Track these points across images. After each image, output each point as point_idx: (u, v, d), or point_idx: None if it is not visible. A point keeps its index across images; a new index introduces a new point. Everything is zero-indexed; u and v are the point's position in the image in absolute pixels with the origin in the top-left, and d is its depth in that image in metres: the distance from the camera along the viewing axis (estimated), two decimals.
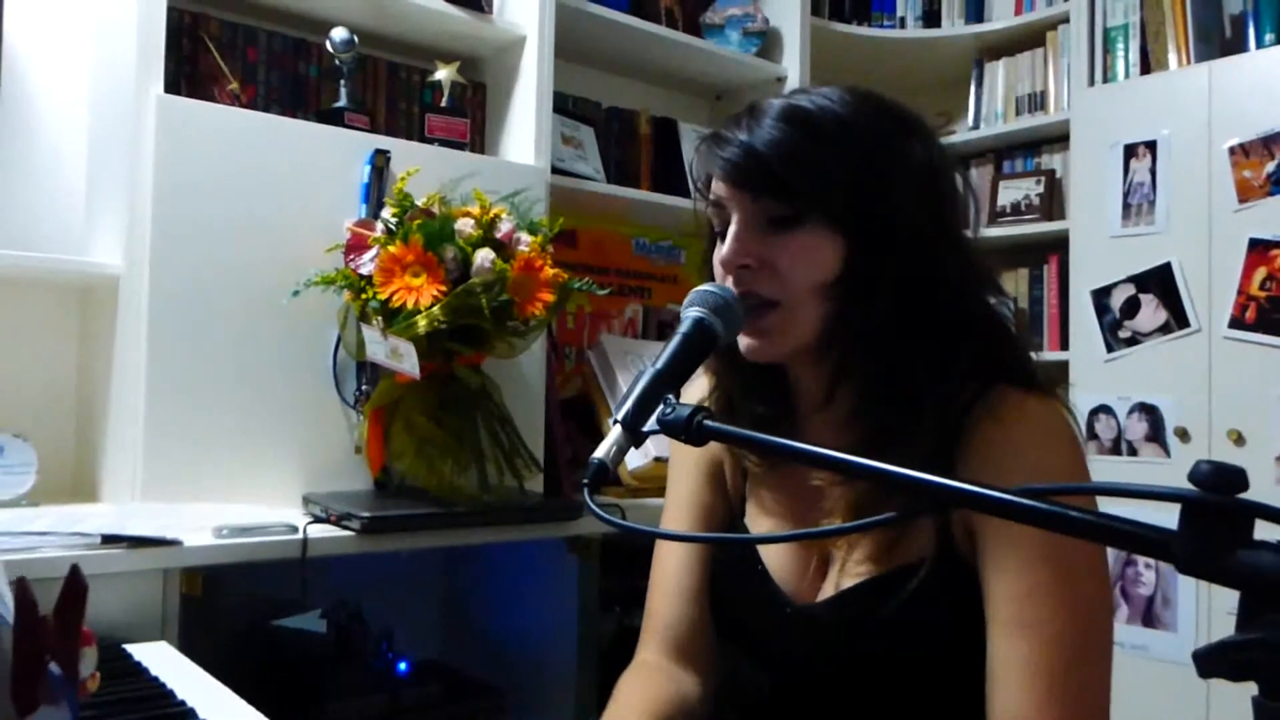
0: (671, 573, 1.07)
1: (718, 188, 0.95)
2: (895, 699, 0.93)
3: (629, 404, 0.77)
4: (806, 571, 0.97)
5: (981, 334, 0.92)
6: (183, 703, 1.03)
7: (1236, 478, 0.46)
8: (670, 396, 0.77)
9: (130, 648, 1.25)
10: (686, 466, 1.10)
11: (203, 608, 1.46)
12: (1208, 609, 2.36)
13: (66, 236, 1.85)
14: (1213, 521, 0.46)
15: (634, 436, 0.77)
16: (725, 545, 1.05)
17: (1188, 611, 2.39)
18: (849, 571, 0.93)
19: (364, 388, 1.78)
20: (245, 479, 1.70)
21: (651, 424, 0.76)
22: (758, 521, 1.03)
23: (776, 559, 0.99)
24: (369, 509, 1.58)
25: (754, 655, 1.04)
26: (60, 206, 1.87)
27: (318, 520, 1.60)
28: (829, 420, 0.96)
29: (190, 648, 1.32)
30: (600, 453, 0.76)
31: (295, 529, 1.53)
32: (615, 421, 0.77)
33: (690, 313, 0.86)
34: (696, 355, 0.85)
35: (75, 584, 0.35)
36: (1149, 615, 2.47)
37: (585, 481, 0.75)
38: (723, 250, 0.92)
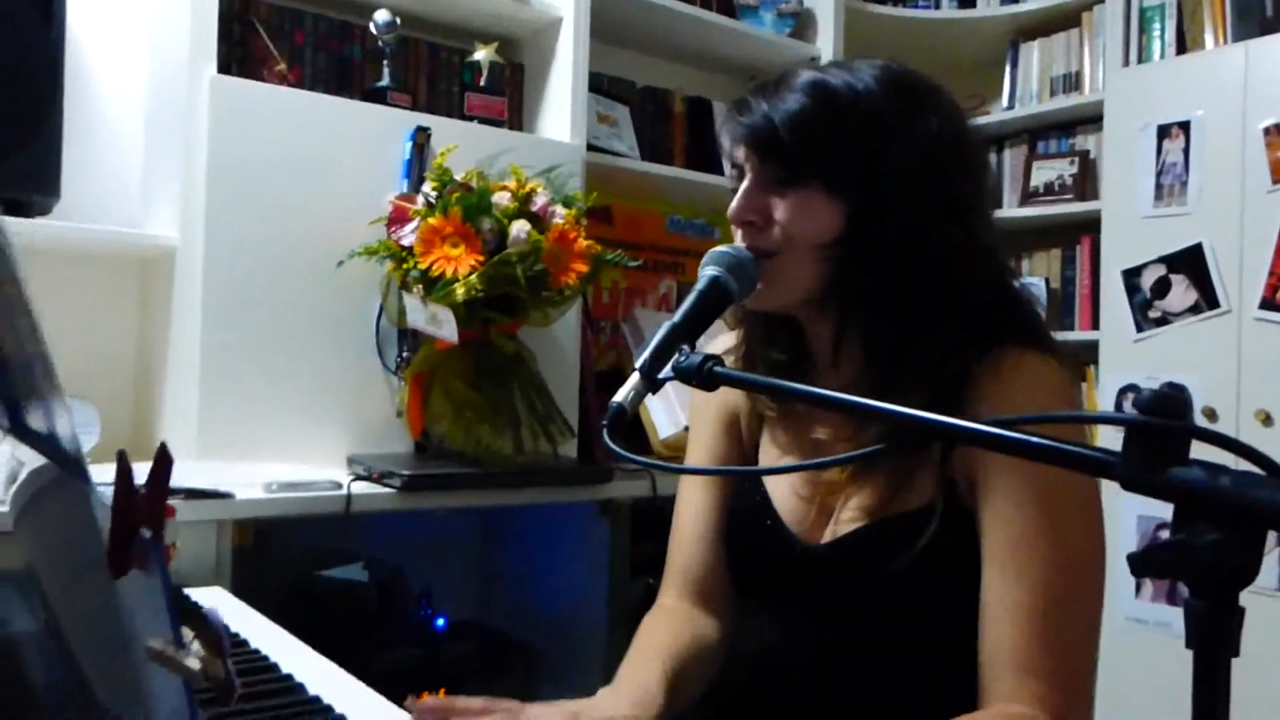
0: (690, 520, 1.14)
1: (736, 150, 1.01)
2: (899, 644, 0.99)
3: (647, 353, 0.84)
4: (809, 515, 1.03)
5: (984, 301, 0.97)
6: (236, 634, 1.11)
7: (1175, 404, 0.51)
8: (685, 346, 0.84)
9: (188, 590, 1.34)
10: (705, 420, 1.16)
11: (253, 558, 1.55)
12: None
13: (126, 211, 1.95)
14: (1153, 443, 0.51)
15: (651, 383, 0.83)
16: (740, 494, 1.11)
17: None
18: (848, 518, 0.99)
19: (405, 354, 1.86)
20: (293, 440, 1.79)
21: (667, 371, 0.83)
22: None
23: (785, 505, 1.05)
24: (409, 468, 1.67)
25: (765, 600, 1.10)
26: (120, 182, 1.97)
27: (360, 478, 1.69)
28: (839, 380, 1.02)
29: (242, 594, 1.41)
30: (619, 397, 0.82)
31: (340, 485, 1.61)
32: (635, 369, 0.84)
33: (707, 271, 0.93)
34: (711, 310, 0.91)
35: (163, 459, 0.42)
36: (1172, 593, 2.49)
37: (605, 423, 0.81)
38: (731, 205, 0.99)
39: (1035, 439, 0.57)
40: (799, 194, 0.96)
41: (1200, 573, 0.48)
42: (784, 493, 1.06)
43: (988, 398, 0.93)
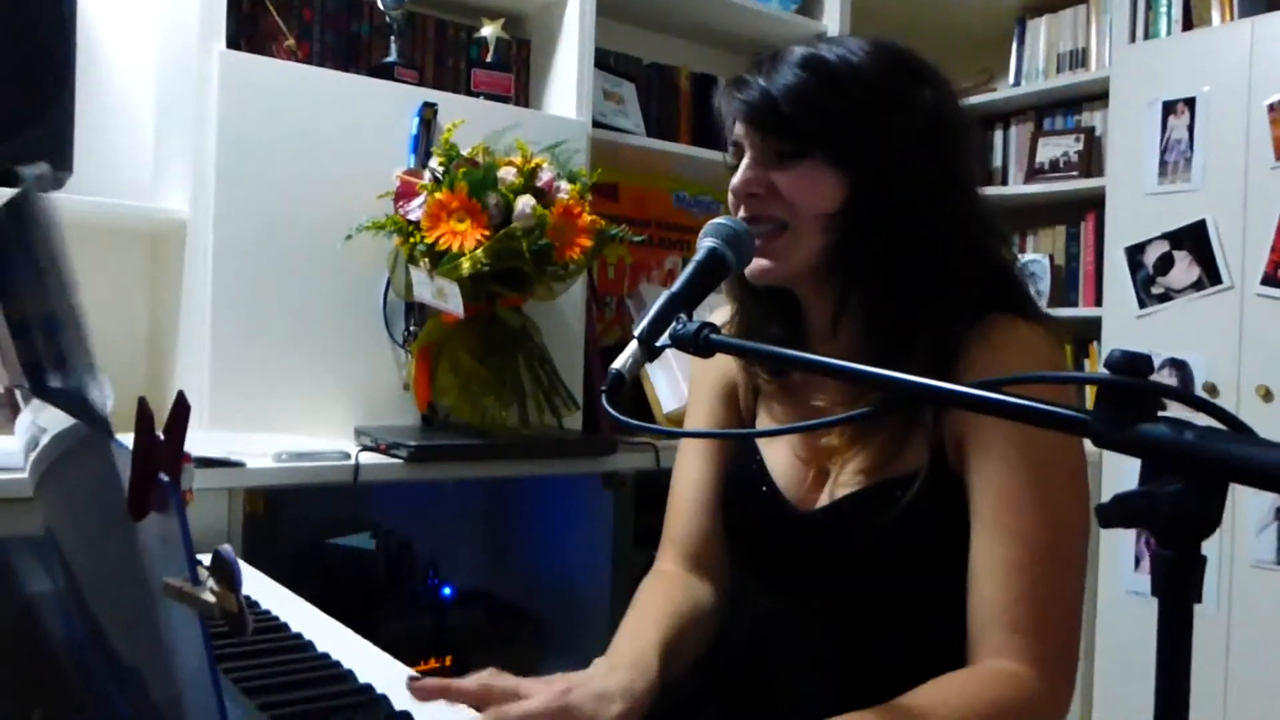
0: (687, 488, 1.16)
1: (736, 127, 1.03)
2: (892, 606, 1.01)
3: (645, 322, 0.86)
4: (806, 482, 1.06)
5: (978, 270, 0.99)
6: (247, 597, 1.15)
7: (1144, 364, 0.53)
8: (683, 315, 0.86)
9: (201, 557, 1.38)
10: (704, 390, 1.19)
11: (264, 526, 1.58)
12: (1230, 561, 2.40)
13: (137, 184, 1.98)
14: (1124, 401, 0.53)
15: (649, 350, 0.85)
16: (736, 463, 1.13)
17: (1210, 563, 2.43)
18: (844, 483, 1.01)
19: (412, 328, 1.89)
20: (302, 412, 1.82)
21: (664, 339, 0.85)
22: (766, 438, 1.11)
23: (781, 474, 1.07)
24: (416, 439, 1.70)
25: (760, 566, 1.13)
26: (131, 156, 2.00)
27: (368, 449, 1.72)
28: (836, 350, 1.04)
29: (252, 561, 1.45)
30: (618, 364, 0.84)
31: (348, 455, 1.64)
32: (634, 337, 0.86)
33: (704, 242, 0.95)
34: (709, 281, 0.93)
35: (180, 406, 0.45)
36: None
37: (604, 388, 0.83)
38: (735, 179, 1.01)
39: (1015, 399, 0.59)
40: (802, 166, 0.98)
41: (1164, 521, 0.50)
42: (780, 461, 1.09)
43: (979, 365, 0.95)
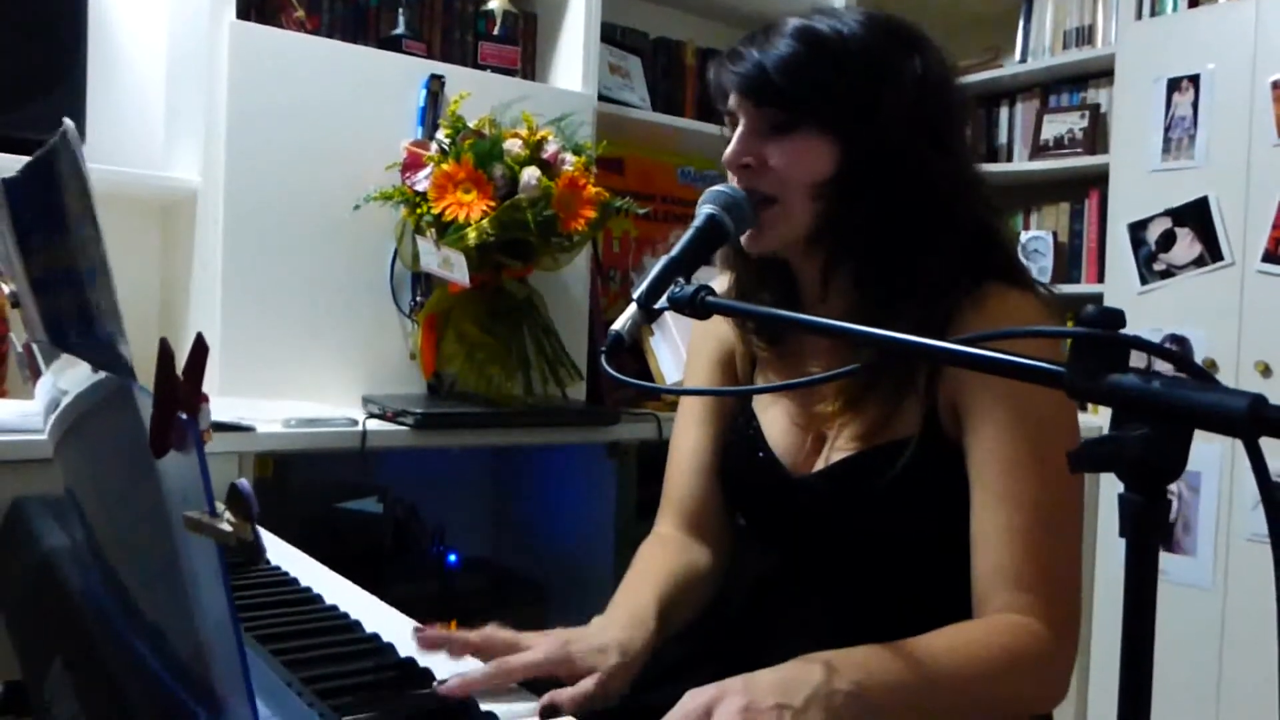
0: (687, 452, 1.19)
1: (730, 99, 1.05)
2: (886, 569, 1.04)
3: (644, 285, 0.88)
4: (803, 448, 1.08)
5: (967, 235, 1.01)
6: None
7: (1116, 317, 0.56)
8: (681, 279, 0.88)
9: None
10: (702, 357, 1.21)
11: (274, 490, 1.61)
12: (1226, 534, 2.43)
13: (149, 153, 2.00)
14: (1096, 353, 0.56)
15: (647, 313, 0.88)
16: (733, 429, 1.16)
17: (1207, 537, 2.46)
18: (839, 448, 1.04)
19: (418, 298, 1.92)
20: (310, 380, 1.85)
21: (662, 302, 0.87)
22: (763, 405, 1.13)
23: (778, 440, 1.10)
24: (422, 407, 1.73)
25: (758, 529, 1.15)
26: (142, 125, 2.02)
27: (375, 416, 1.75)
28: (828, 314, 1.06)
29: (262, 523, 1.47)
30: (617, 326, 0.87)
31: (355, 422, 1.67)
32: (632, 300, 0.88)
33: (704, 209, 0.97)
34: (708, 246, 0.96)
35: (199, 348, 0.48)
36: (1169, 541, 2.54)
37: (603, 349, 0.86)
38: (726, 152, 1.03)
39: (995, 354, 0.61)
40: (794, 137, 1.00)
41: (1131, 466, 0.52)
42: (776, 427, 1.11)
43: (970, 331, 0.97)
